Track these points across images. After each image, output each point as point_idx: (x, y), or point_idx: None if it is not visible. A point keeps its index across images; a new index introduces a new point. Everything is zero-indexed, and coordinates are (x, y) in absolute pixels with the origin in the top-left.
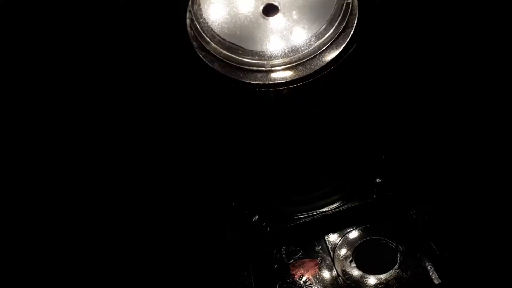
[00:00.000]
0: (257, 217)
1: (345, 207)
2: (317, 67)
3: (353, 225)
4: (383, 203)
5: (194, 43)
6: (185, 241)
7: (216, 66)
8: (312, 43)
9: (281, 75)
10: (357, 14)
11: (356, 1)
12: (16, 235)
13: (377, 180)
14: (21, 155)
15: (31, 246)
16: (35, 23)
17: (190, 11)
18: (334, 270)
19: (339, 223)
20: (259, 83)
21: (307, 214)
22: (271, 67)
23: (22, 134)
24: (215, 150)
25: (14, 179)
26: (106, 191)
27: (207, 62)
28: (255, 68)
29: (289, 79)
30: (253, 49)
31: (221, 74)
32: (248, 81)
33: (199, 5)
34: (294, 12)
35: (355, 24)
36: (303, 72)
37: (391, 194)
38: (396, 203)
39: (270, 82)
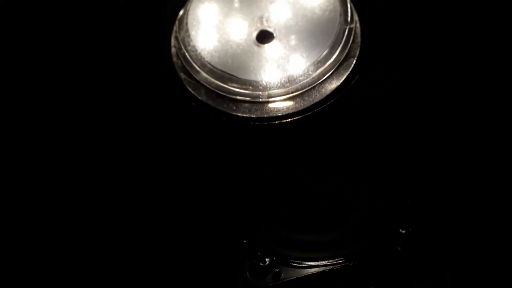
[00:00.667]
0: (268, 260)
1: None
2: (316, 100)
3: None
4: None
5: (181, 73)
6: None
7: (205, 98)
8: (310, 72)
9: (277, 106)
10: (360, 43)
11: (359, 28)
12: (16, 235)
13: (401, 231)
14: (21, 155)
15: (31, 246)
16: (35, 23)
17: (176, 38)
18: None
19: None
20: (252, 116)
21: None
22: (267, 98)
23: (22, 134)
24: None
25: (14, 179)
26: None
27: (195, 94)
28: (249, 99)
29: (286, 111)
30: (247, 79)
31: (211, 106)
32: (241, 115)
33: (187, 31)
34: (291, 39)
35: (357, 54)
36: (301, 104)
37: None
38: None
39: (265, 116)
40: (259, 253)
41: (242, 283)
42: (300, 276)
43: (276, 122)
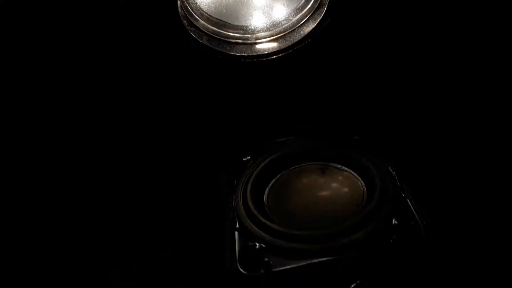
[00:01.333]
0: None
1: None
2: (296, 40)
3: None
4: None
5: (185, 21)
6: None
7: (204, 41)
8: (291, 18)
9: (264, 47)
10: None
11: None
12: (15, 235)
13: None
14: (21, 155)
15: (31, 246)
16: (35, 23)
17: None
18: None
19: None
20: (244, 55)
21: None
22: (255, 39)
23: (22, 134)
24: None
25: (14, 179)
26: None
27: (196, 37)
28: (240, 41)
29: (271, 50)
30: (238, 24)
31: (209, 47)
32: (234, 53)
33: None
34: None
35: (327, 2)
36: (283, 44)
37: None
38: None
39: (254, 54)
40: (250, 243)
41: (232, 271)
42: (290, 267)
43: (263, 59)
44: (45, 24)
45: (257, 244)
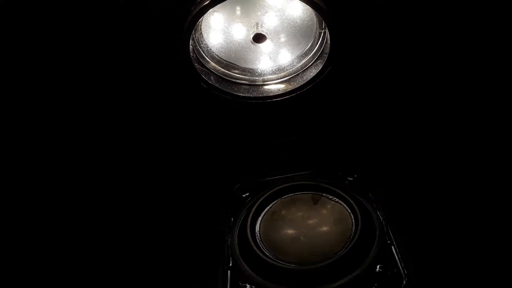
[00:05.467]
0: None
1: None
2: (300, 84)
3: None
4: None
5: (196, 64)
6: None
7: (214, 82)
8: (295, 63)
9: (270, 88)
10: (330, 43)
11: (328, 33)
12: (16, 235)
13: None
14: (21, 155)
15: (31, 246)
16: (35, 23)
17: (193, 39)
18: None
19: None
20: (251, 96)
21: None
22: (262, 82)
23: (22, 134)
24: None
25: (14, 179)
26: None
27: (206, 78)
28: (247, 82)
29: (276, 92)
30: (246, 67)
31: (218, 88)
32: (241, 94)
33: (201, 33)
34: (280, 39)
35: (329, 51)
36: (288, 87)
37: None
38: None
39: (261, 95)
40: (240, 283)
41: None
42: None
43: (269, 100)
44: (45, 24)
45: (248, 286)
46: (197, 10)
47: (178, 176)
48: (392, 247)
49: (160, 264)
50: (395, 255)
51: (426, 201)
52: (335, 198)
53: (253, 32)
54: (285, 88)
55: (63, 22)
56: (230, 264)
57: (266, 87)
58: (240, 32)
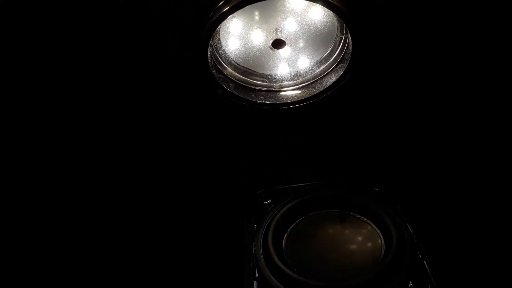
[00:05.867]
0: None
1: None
2: (319, 90)
3: None
4: None
5: (213, 70)
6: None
7: (231, 88)
8: (314, 70)
9: (287, 94)
10: (351, 49)
11: (350, 38)
12: (15, 235)
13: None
14: (21, 155)
15: (31, 246)
16: (35, 23)
17: (211, 45)
18: None
19: None
20: (268, 102)
21: None
22: (279, 88)
23: (22, 134)
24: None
25: (14, 179)
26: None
27: (223, 85)
28: (265, 89)
29: (294, 99)
30: (263, 73)
31: (235, 95)
32: (259, 101)
33: (219, 39)
34: (299, 44)
35: (350, 57)
36: (306, 93)
37: None
38: None
39: (278, 102)
40: None
41: None
42: None
43: (286, 107)
44: (45, 24)
45: None
46: (216, 16)
47: (196, 182)
48: (424, 261)
49: (178, 266)
50: (428, 270)
51: (455, 210)
52: (363, 217)
53: (272, 38)
54: (302, 94)
55: (63, 22)
56: (256, 275)
57: (283, 93)
58: (259, 38)
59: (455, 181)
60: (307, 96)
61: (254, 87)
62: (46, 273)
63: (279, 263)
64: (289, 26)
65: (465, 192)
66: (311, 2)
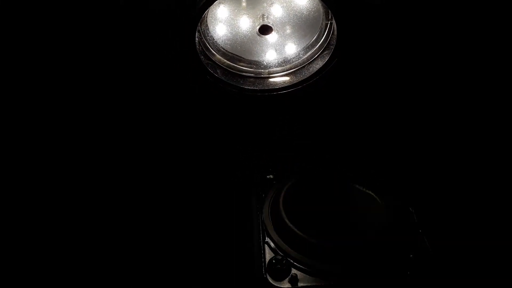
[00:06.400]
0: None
1: None
2: (306, 76)
3: None
4: None
5: (201, 56)
6: None
7: (219, 74)
8: (301, 56)
9: (275, 81)
10: (336, 34)
11: (335, 24)
12: (15, 235)
13: None
14: (21, 155)
15: (31, 246)
16: (35, 23)
17: (199, 31)
18: None
19: None
20: (256, 89)
21: None
22: (268, 74)
23: (21, 134)
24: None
25: (14, 179)
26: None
27: (212, 71)
28: (253, 75)
29: (282, 85)
30: (252, 59)
31: (224, 81)
32: (247, 87)
33: (207, 26)
34: (286, 30)
35: (335, 42)
36: (294, 79)
37: None
38: None
39: (266, 88)
40: (278, 256)
41: (261, 280)
42: (315, 284)
43: (275, 93)
44: (45, 24)
45: (285, 258)
46: (203, 2)
47: (191, 172)
48: (424, 237)
49: (172, 262)
50: (427, 244)
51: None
52: (368, 190)
53: (259, 23)
54: (290, 80)
55: (63, 22)
56: (266, 240)
57: (271, 79)
58: (246, 24)
59: (452, 171)
60: (295, 82)
61: (243, 73)
62: (46, 273)
63: (290, 225)
64: (275, 12)
65: (458, 183)
66: None
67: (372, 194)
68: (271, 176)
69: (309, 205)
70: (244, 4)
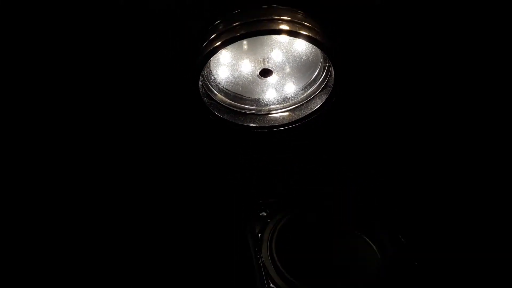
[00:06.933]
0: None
1: None
2: (305, 114)
3: None
4: None
5: (205, 98)
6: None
7: (222, 113)
8: (300, 95)
9: (275, 117)
10: (334, 76)
11: (332, 67)
12: (15, 235)
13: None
14: (21, 155)
15: (31, 246)
16: (35, 23)
17: (202, 75)
18: None
19: None
20: (256, 125)
21: None
22: (268, 111)
23: (21, 134)
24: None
25: (14, 179)
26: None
27: (214, 111)
28: (254, 112)
29: (281, 122)
30: (252, 98)
31: (225, 119)
32: (248, 124)
33: (210, 69)
34: (285, 72)
35: (333, 84)
36: (293, 116)
37: None
38: None
39: (266, 125)
40: None
41: None
42: None
43: (274, 129)
44: (45, 24)
45: None
46: (207, 50)
47: (191, 198)
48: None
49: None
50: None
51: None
52: (359, 233)
53: (260, 67)
54: (289, 117)
55: (63, 22)
56: (271, 285)
57: (271, 116)
58: (247, 68)
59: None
60: (294, 119)
61: (244, 111)
62: (46, 273)
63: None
64: (275, 57)
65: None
66: None
67: (372, 244)
68: (264, 214)
69: (306, 249)
70: (245, 48)
